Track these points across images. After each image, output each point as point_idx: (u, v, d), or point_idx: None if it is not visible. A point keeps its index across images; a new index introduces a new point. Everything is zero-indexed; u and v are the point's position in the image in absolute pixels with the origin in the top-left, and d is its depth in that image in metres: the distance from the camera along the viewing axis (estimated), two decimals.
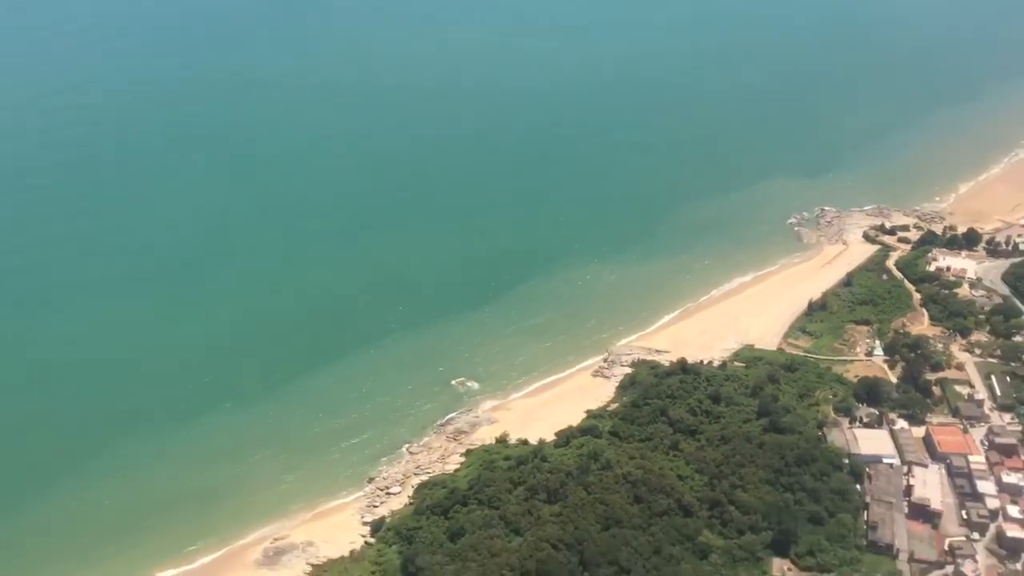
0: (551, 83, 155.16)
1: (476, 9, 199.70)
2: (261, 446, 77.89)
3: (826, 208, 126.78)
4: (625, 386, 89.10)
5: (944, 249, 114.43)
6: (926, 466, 76.89)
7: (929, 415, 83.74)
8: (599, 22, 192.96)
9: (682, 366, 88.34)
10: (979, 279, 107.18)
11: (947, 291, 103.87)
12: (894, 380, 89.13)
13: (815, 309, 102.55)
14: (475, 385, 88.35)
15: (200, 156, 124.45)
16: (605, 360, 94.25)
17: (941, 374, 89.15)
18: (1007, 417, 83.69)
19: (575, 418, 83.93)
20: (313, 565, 69.47)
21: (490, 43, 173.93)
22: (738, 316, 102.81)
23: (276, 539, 72.02)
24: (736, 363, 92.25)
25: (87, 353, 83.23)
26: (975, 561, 68.30)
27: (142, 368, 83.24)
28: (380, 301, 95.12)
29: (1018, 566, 68.66)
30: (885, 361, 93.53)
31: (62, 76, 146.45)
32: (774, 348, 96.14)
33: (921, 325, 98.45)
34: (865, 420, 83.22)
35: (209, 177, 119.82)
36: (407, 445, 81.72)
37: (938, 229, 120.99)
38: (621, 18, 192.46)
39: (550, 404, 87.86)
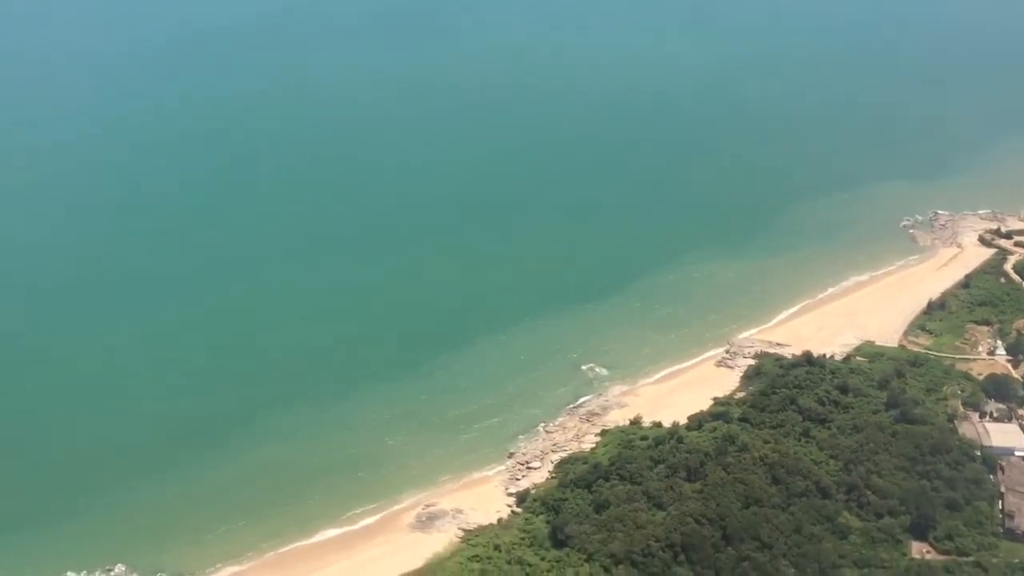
0: (671, 85, 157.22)
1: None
2: (408, 420, 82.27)
3: (939, 212, 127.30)
4: (750, 376, 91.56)
5: None
6: None
7: None
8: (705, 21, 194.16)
9: (807, 358, 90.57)
10: None
11: None
12: (1019, 378, 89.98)
13: (934, 308, 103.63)
14: (604, 371, 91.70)
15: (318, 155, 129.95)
16: (727, 352, 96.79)
17: None
18: None
19: (701, 405, 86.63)
20: (465, 530, 73.77)
21: (615, 45, 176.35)
22: (855, 313, 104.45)
23: (427, 505, 76.45)
24: (858, 357, 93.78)
25: (252, 335, 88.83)
26: None
27: (303, 345, 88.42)
28: (512, 292, 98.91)
29: None
30: (1008, 360, 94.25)
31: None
32: (895, 345, 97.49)
33: None
34: (995, 415, 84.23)
35: (335, 173, 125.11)
36: (542, 424, 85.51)
37: None
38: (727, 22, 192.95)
39: (677, 391, 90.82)
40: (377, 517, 75.31)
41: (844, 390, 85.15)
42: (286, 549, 72.29)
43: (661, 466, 75.48)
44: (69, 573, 69.51)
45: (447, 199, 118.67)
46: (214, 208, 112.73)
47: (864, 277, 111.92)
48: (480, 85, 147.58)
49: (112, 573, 69.83)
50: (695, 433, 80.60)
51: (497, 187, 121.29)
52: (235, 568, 70.83)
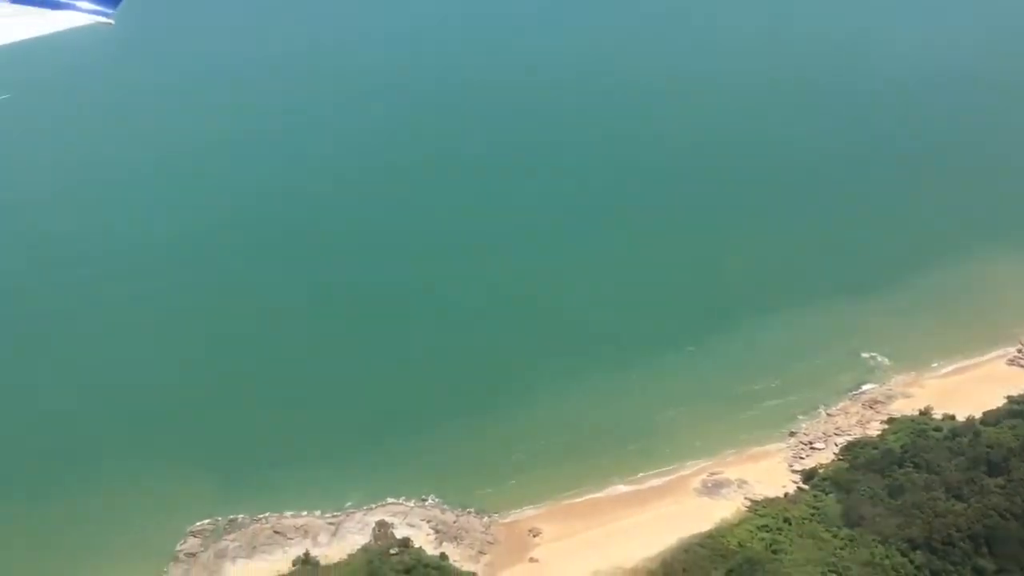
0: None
1: None
2: (689, 395, 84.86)
3: None
4: None
5: None
6: None
7: None
8: None
9: None
10: None
11: None
12: None
13: None
14: (886, 360, 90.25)
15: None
16: (1019, 351, 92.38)
17: None
18: None
19: (992, 403, 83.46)
20: (752, 500, 75.93)
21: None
22: None
23: (712, 473, 79.12)
24: None
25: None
26: None
27: (588, 319, 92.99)
28: (777, 277, 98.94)
29: None
30: None
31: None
32: None
33: None
34: None
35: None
36: (823, 408, 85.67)
37: None
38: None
39: (964, 386, 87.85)
40: (664, 480, 78.85)
41: None
42: (580, 500, 77.48)
43: (960, 458, 74.01)
44: (389, 498, 78.07)
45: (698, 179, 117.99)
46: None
47: None
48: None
49: (426, 502, 77.67)
50: (993, 429, 78.08)
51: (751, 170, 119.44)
52: (534, 511, 76.89)
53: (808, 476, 77.34)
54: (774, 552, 70.20)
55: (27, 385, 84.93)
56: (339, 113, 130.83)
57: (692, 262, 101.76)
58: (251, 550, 74.11)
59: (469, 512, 76.83)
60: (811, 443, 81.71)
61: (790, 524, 72.28)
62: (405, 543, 73.09)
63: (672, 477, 79.05)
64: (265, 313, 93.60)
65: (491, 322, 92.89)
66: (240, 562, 73.11)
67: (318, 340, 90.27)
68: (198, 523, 75.48)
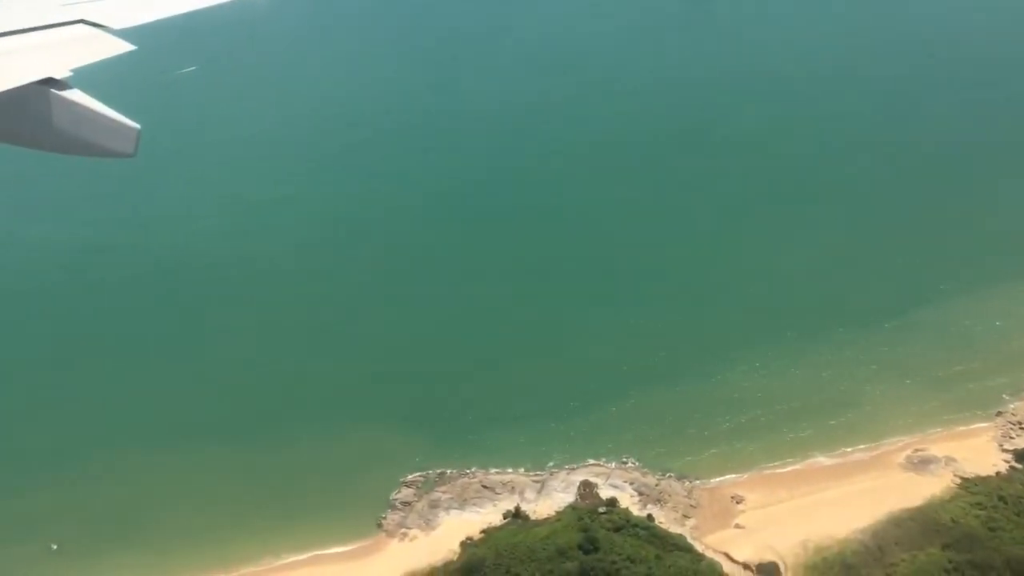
0: None
1: None
2: (890, 372, 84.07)
3: None
4: None
5: None
6: None
7: None
8: None
9: None
10: None
11: None
12: None
13: None
14: None
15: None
16: None
17: None
18: None
19: None
20: (962, 478, 74.89)
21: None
22: None
23: (917, 449, 78.30)
24: None
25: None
26: None
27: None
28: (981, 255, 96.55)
29: None
30: None
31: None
32: None
33: None
34: None
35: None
36: None
37: None
38: None
39: None
40: (868, 455, 78.52)
41: None
42: (783, 470, 78.06)
43: None
44: (590, 459, 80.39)
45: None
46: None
47: None
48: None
49: (627, 464, 79.67)
50: None
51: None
52: (735, 478, 77.91)
53: (1021, 456, 75.65)
54: (991, 529, 69.17)
55: (273, 346, 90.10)
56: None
57: (887, 238, 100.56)
58: (462, 502, 77.59)
59: (670, 476, 78.36)
60: (1020, 423, 79.83)
61: (1005, 502, 71.09)
62: (612, 503, 75.12)
63: (876, 452, 78.59)
64: (461, 278, 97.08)
65: (690, 300, 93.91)
66: (453, 512, 76.70)
67: (516, 308, 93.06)
68: (410, 475, 79.24)
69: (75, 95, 10.52)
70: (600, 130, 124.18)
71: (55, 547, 72.68)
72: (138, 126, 10.66)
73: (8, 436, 79.14)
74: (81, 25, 12.48)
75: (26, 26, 11.53)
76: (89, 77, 11.79)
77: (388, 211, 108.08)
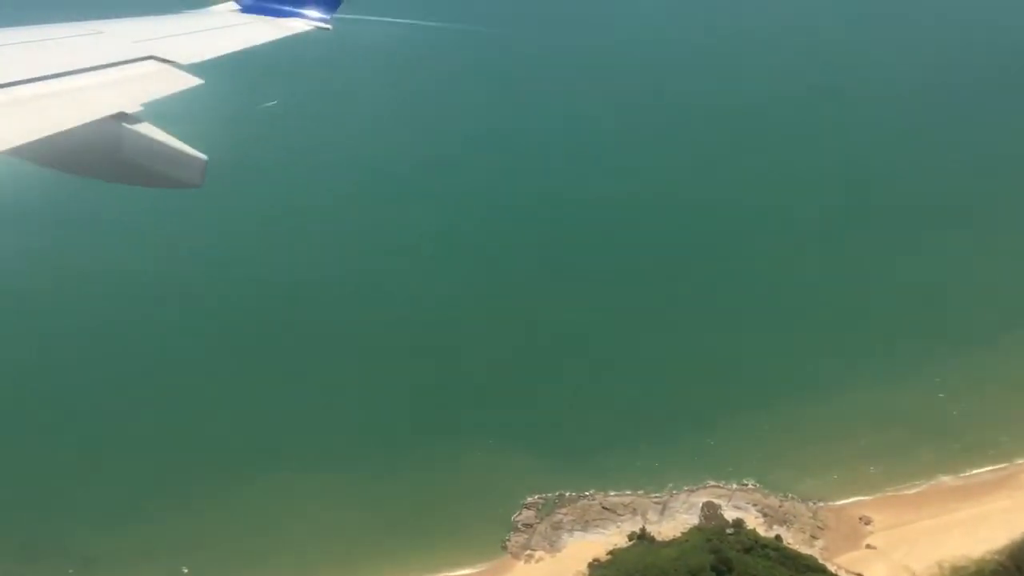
0: None
1: None
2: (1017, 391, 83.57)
3: None
4: None
5: None
6: None
7: None
8: None
9: None
10: None
11: None
12: None
13: None
14: None
15: None
16: None
17: None
18: None
19: None
20: None
21: None
22: None
23: None
24: None
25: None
26: None
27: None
28: None
29: None
30: None
31: None
32: None
33: None
34: None
35: None
36: None
37: None
38: None
39: None
40: (996, 475, 77.98)
41: None
42: (910, 492, 77.48)
43: None
44: (709, 481, 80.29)
45: None
46: None
47: None
48: None
49: (747, 485, 79.45)
50: None
51: None
52: (860, 499, 77.41)
53: None
54: None
55: (383, 367, 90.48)
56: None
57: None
58: (585, 524, 77.68)
59: (792, 497, 77.97)
60: None
61: None
62: (739, 523, 74.86)
63: (1004, 473, 78.18)
64: (561, 296, 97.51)
65: (799, 317, 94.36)
66: (576, 534, 76.80)
67: (620, 329, 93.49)
68: (529, 497, 79.42)
69: (145, 128, 11.06)
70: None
71: (186, 571, 73.31)
72: (205, 157, 11.18)
73: (138, 458, 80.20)
74: (151, 61, 13.10)
75: (101, 63, 12.08)
76: (160, 110, 12.35)
77: (479, 230, 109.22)
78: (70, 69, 11.32)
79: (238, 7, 18.97)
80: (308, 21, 18.92)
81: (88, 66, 11.82)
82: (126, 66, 12.60)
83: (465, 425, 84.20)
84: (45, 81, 10.65)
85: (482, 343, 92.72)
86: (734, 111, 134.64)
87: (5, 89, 9.91)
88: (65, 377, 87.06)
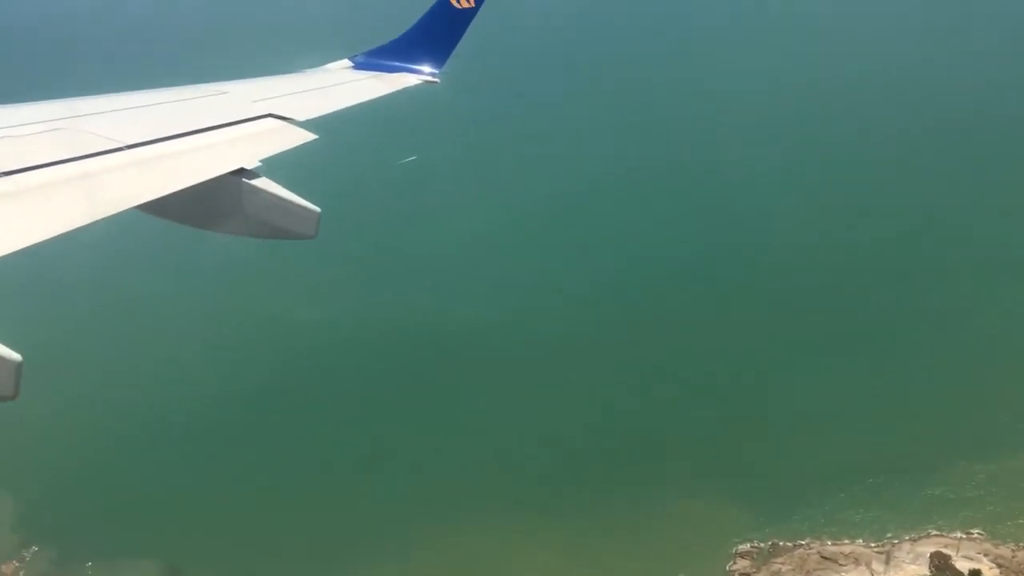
0: None
1: None
2: None
3: None
4: None
5: None
6: None
7: None
8: None
9: None
10: None
11: None
12: None
13: None
14: None
15: None
16: None
17: None
18: None
19: None
20: None
21: None
22: None
23: None
24: None
25: None
26: None
27: None
28: None
29: None
30: None
31: None
32: None
33: None
34: None
35: None
36: None
37: None
38: None
39: None
40: None
41: None
42: None
43: None
44: (931, 529, 76.47)
45: None
46: None
47: None
48: None
49: (973, 534, 75.45)
50: None
51: None
52: None
53: None
54: None
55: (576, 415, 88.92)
56: None
57: None
58: (805, 574, 74.22)
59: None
60: None
61: None
62: (976, 574, 70.90)
63: None
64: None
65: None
66: None
67: (834, 379, 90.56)
68: (741, 545, 76.51)
69: (263, 183, 11.65)
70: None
71: None
72: (319, 209, 11.57)
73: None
74: (270, 119, 13.90)
75: (223, 121, 13.05)
76: (277, 164, 12.78)
77: (654, 273, 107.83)
78: (195, 128, 12.29)
79: (351, 65, 19.91)
80: (419, 76, 19.70)
81: (212, 125, 12.74)
82: (246, 124, 13.40)
83: (670, 475, 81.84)
84: (173, 140, 11.66)
85: (683, 391, 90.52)
86: None
87: (137, 149, 10.79)
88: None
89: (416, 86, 19.73)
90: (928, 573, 73.03)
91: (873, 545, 75.99)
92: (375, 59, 20.10)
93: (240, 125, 13.42)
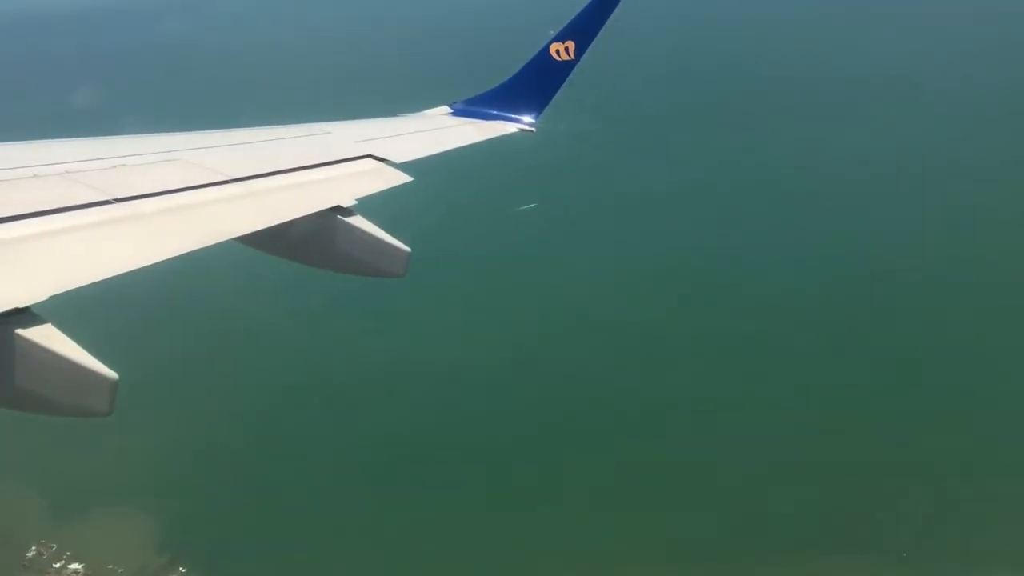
0: None
1: None
2: None
3: None
4: None
5: None
6: None
7: None
8: None
9: None
10: None
11: None
12: None
13: None
14: None
15: None
16: None
17: None
18: None
19: None
20: None
21: None
22: None
23: None
24: None
25: None
26: None
27: None
28: None
29: None
30: None
31: None
32: None
33: None
34: None
35: None
36: None
37: None
38: None
39: None
40: None
41: None
42: None
43: None
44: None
45: None
46: None
47: None
48: None
49: None
50: None
51: None
52: None
53: None
54: None
55: None
56: None
57: None
58: None
59: None
60: None
61: None
62: None
63: None
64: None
65: None
66: None
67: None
68: None
69: (357, 220, 12.02)
70: None
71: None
72: (408, 249, 11.85)
73: None
74: (369, 159, 14.31)
75: (325, 160, 13.52)
76: (373, 204, 12.87)
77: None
78: (298, 165, 12.78)
79: (450, 111, 20.31)
80: (516, 124, 19.99)
81: (314, 163, 13.24)
82: (346, 163, 13.96)
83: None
84: (276, 176, 12.20)
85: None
86: None
87: (243, 182, 11.37)
88: None
89: (512, 134, 19.87)
90: None
91: None
92: (473, 106, 20.50)
93: (340, 164, 13.93)
